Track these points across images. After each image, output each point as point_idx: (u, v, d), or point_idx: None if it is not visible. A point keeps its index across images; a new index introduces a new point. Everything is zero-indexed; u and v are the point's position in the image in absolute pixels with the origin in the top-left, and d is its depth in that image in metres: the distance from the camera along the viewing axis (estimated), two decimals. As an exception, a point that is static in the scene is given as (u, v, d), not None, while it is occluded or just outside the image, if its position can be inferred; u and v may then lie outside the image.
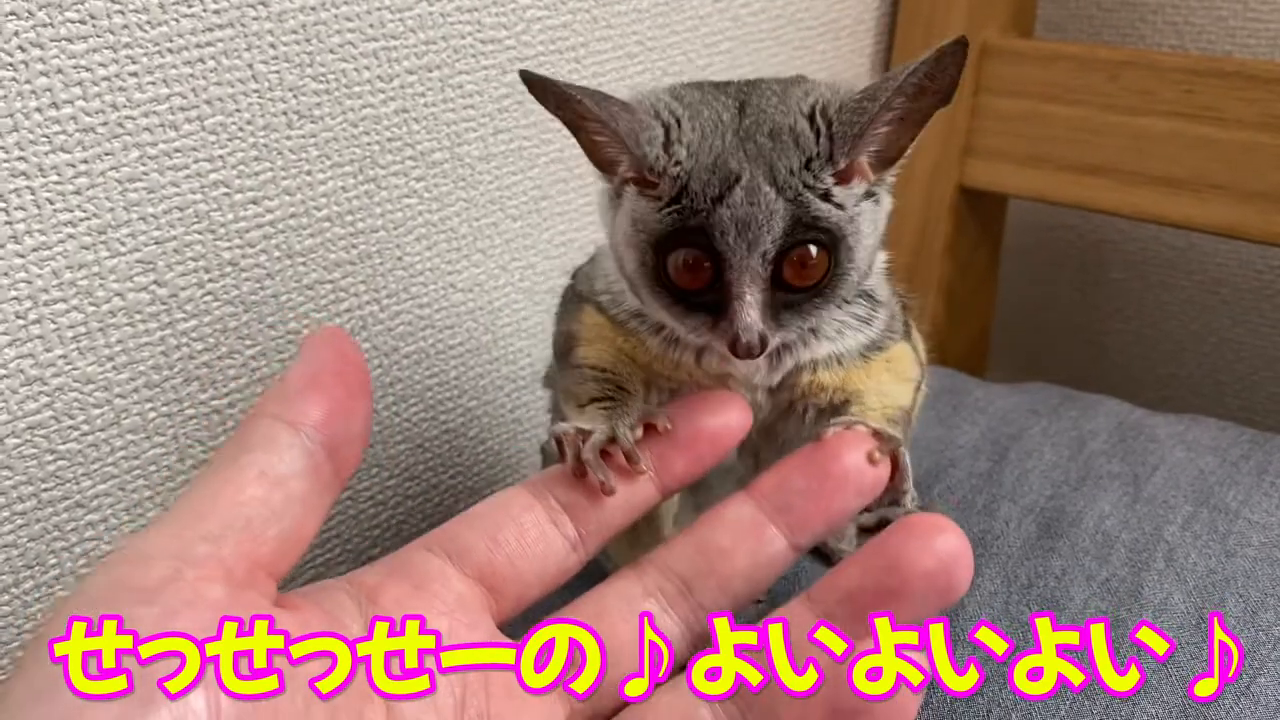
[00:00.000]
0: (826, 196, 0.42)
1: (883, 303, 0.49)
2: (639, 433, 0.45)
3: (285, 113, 0.60)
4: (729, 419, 0.46)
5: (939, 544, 0.38)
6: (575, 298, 0.52)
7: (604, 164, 0.44)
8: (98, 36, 0.52)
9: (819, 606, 0.40)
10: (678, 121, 0.43)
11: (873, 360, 0.49)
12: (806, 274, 0.42)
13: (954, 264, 0.94)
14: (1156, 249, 1.02)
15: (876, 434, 0.45)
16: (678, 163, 0.42)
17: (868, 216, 0.44)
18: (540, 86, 0.42)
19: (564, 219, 0.77)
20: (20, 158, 0.51)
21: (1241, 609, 0.53)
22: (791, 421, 0.50)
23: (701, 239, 0.42)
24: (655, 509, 0.47)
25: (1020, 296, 1.10)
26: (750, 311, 0.42)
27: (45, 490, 0.56)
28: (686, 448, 0.45)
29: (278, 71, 0.59)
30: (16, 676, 0.31)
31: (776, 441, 0.51)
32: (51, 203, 0.52)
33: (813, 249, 0.42)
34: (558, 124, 0.44)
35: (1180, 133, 0.79)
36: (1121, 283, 1.05)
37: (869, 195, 0.44)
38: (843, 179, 0.43)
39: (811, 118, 0.42)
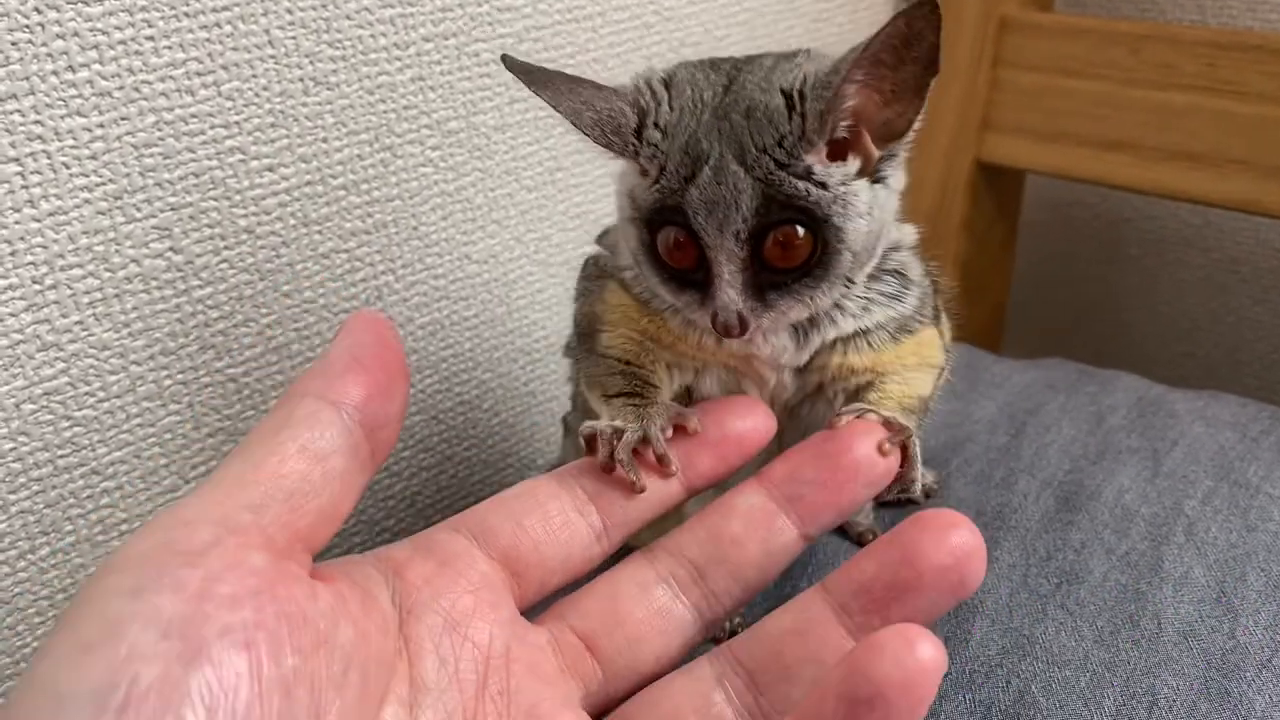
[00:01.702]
0: (806, 175, 0.42)
1: (914, 281, 0.49)
2: (669, 433, 0.45)
3: (301, 79, 0.59)
4: (756, 423, 0.46)
5: (953, 539, 0.38)
6: (598, 273, 0.52)
7: None
8: (114, 0, 0.51)
9: (834, 598, 0.40)
10: (657, 103, 0.43)
11: (903, 343, 0.48)
12: (790, 255, 0.42)
13: (971, 239, 0.94)
14: (1174, 226, 1.01)
15: (888, 423, 0.45)
16: (651, 144, 0.43)
17: (862, 195, 0.43)
18: (518, 71, 0.44)
19: (580, 190, 0.77)
20: (36, 121, 0.51)
21: (1263, 583, 0.52)
22: (819, 404, 0.50)
23: (681, 218, 0.42)
24: (679, 506, 0.47)
25: (1037, 273, 1.09)
26: (728, 290, 0.42)
27: (61, 457, 0.56)
28: (714, 449, 0.46)
29: (294, 37, 0.58)
30: (62, 630, 0.31)
31: (801, 425, 0.50)
32: (68, 167, 0.52)
33: (797, 229, 0.42)
34: None
35: (1201, 107, 0.78)
36: (1139, 260, 1.04)
37: (873, 174, 0.44)
38: (834, 155, 0.42)
39: (788, 95, 0.42)
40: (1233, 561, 0.54)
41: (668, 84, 0.44)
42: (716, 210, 0.41)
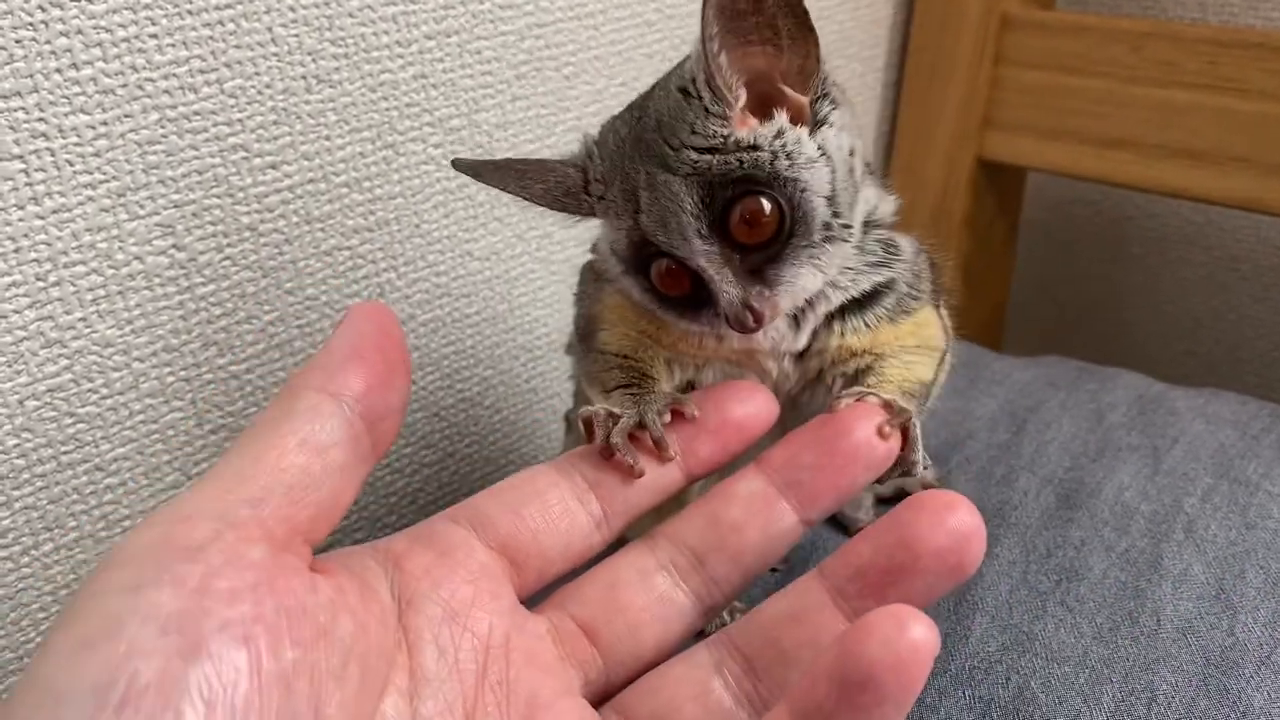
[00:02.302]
0: (733, 147, 0.42)
1: (902, 249, 0.48)
2: (667, 418, 0.45)
3: (304, 77, 0.59)
4: (757, 408, 0.46)
5: (951, 521, 0.37)
6: (595, 276, 0.52)
7: None
8: (117, -3, 0.52)
9: (830, 582, 0.40)
10: (590, 158, 0.45)
11: (900, 323, 0.48)
12: (759, 227, 0.42)
13: (972, 237, 0.94)
14: (1175, 224, 1.01)
15: (887, 406, 0.44)
16: (600, 197, 0.44)
17: (805, 141, 0.43)
18: (466, 170, 0.46)
19: (581, 188, 0.77)
20: (40, 119, 0.51)
21: (1262, 580, 0.52)
22: (819, 392, 0.50)
23: (653, 247, 0.43)
24: (681, 492, 0.47)
25: (1038, 271, 1.09)
26: (728, 289, 0.42)
27: (64, 453, 0.56)
28: (714, 435, 0.45)
29: (297, 35, 0.58)
30: (62, 627, 0.31)
31: (802, 415, 0.50)
32: (71, 164, 0.52)
33: (754, 200, 0.42)
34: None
35: (1203, 105, 0.78)
36: (1140, 258, 1.04)
37: (810, 120, 0.43)
38: (758, 115, 0.43)
39: (683, 89, 0.42)
40: (1232, 559, 0.54)
41: (598, 142, 0.46)
42: (669, 223, 0.42)
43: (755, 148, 0.42)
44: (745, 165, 0.42)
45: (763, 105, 0.43)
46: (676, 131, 0.42)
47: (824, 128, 0.44)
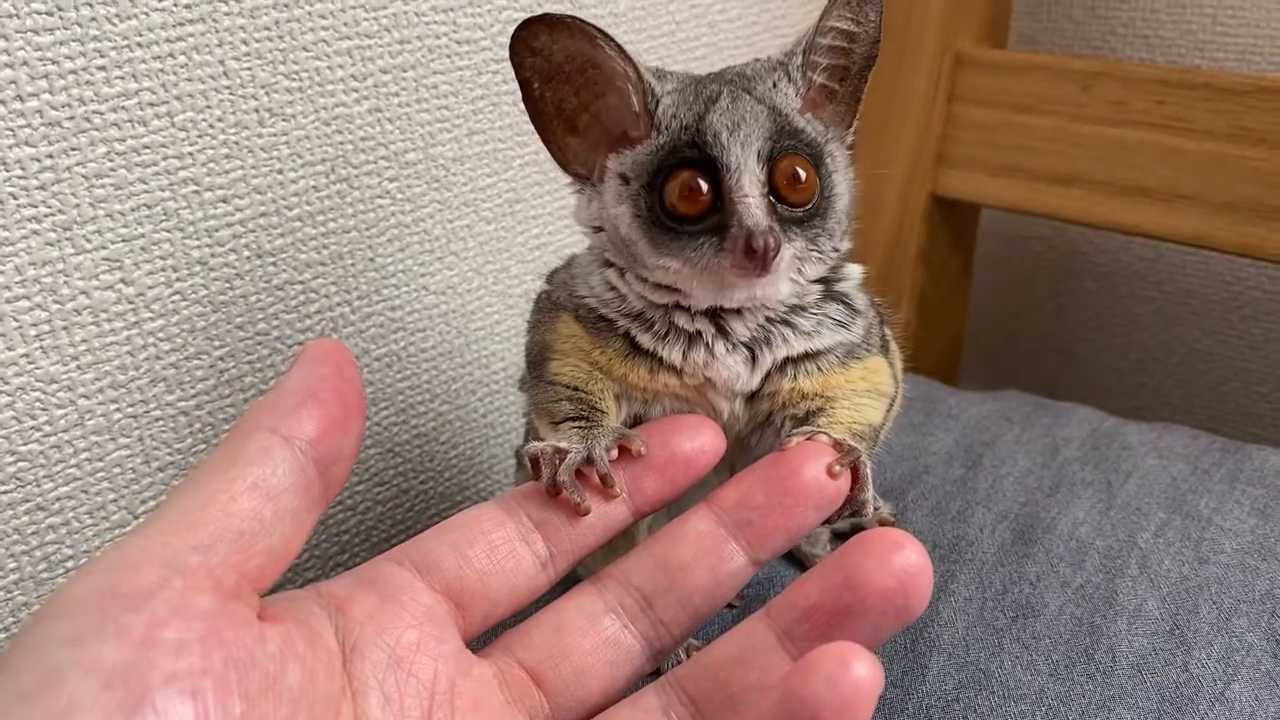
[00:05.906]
0: (800, 115, 0.46)
1: (859, 311, 0.50)
2: (614, 454, 0.45)
3: (257, 110, 0.59)
4: (703, 443, 0.45)
5: (897, 561, 0.37)
6: (551, 305, 0.52)
7: (578, 158, 0.48)
8: (65, 29, 0.51)
9: (777, 623, 0.40)
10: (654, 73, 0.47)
11: (851, 368, 0.48)
12: (800, 189, 0.44)
13: (926, 272, 0.95)
14: (1127, 260, 1.02)
15: (837, 445, 0.45)
16: (668, 93, 0.45)
17: (839, 157, 0.47)
18: (562, 23, 0.43)
19: (538, 222, 0.76)
20: (-17, 151, 0.50)
21: (1215, 615, 0.53)
22: (768, 433, 0.50)
23: (695, 154, 0.44)
24: (630, 528, 0.46)
25: (991, 306, 1.11)
26: (756, 210, 0.43)
27: (5, 492, 0.55)
28: (660, 471, 0.45)
29: (250, 68, 0.58)
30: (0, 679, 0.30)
31: (751, 457, 0.50)
32: (15, 198, 0.51)
33: (799, 167, 0.44)
34: (533, 127, 0.45)
35: (1151, 143, 0.80)
36: (1092, 293, 1.06)
37: (839, 140, 0.48)
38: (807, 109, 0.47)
39: (779, 62, 0.48)
40: (1185, 594, 0.54)
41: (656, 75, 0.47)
42: (739, 129, 0.43)
43: (813, 129, 0.47)
44: (810, 134, 0.46)
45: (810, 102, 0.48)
46: (761, 78, 0.46)
47: (847, 156, 0.49)
